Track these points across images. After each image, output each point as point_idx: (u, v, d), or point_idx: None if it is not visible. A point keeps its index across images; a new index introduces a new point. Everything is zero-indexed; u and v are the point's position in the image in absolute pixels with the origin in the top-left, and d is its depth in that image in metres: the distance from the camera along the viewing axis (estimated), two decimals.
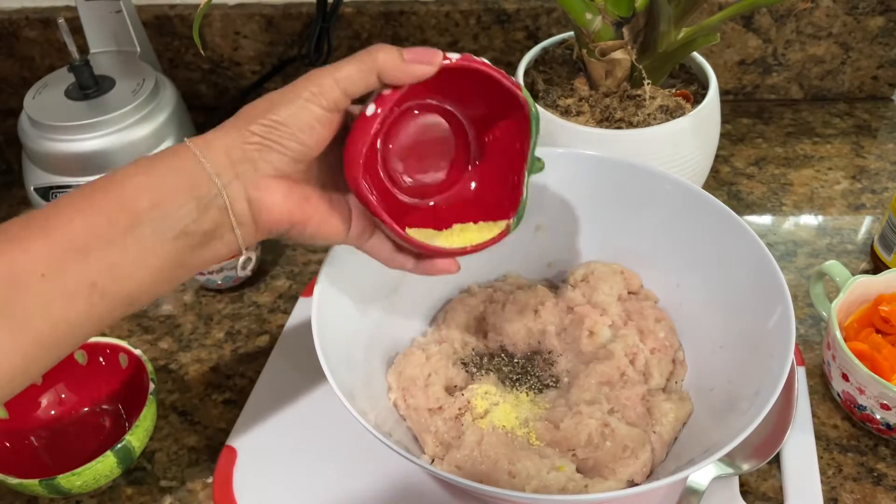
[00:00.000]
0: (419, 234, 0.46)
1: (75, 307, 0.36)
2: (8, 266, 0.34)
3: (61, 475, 0.49)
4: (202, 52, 0.84)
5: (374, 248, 0.47)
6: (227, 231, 0.40)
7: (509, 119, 0.47)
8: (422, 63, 0.41)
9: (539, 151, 0.49)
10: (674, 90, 0.65)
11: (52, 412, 0.58)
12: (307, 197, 0.43)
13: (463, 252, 0.47)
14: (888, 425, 0.52)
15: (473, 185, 0.50)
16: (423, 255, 0.47)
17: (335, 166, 0.44)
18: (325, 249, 0.53)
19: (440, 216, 0.48)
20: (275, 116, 0.40)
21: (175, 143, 0.40)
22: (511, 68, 0.87)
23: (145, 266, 0.38)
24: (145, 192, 0.37)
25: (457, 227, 0.48)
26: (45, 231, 0.36)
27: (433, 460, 0.50)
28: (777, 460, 0.53)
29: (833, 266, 0.58)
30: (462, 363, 0.56)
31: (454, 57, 0.43)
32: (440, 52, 0.42)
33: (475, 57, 0.44)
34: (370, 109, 0.42)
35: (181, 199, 0.38)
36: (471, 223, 0.48)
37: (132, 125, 0.72)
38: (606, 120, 0.63)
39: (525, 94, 0.46)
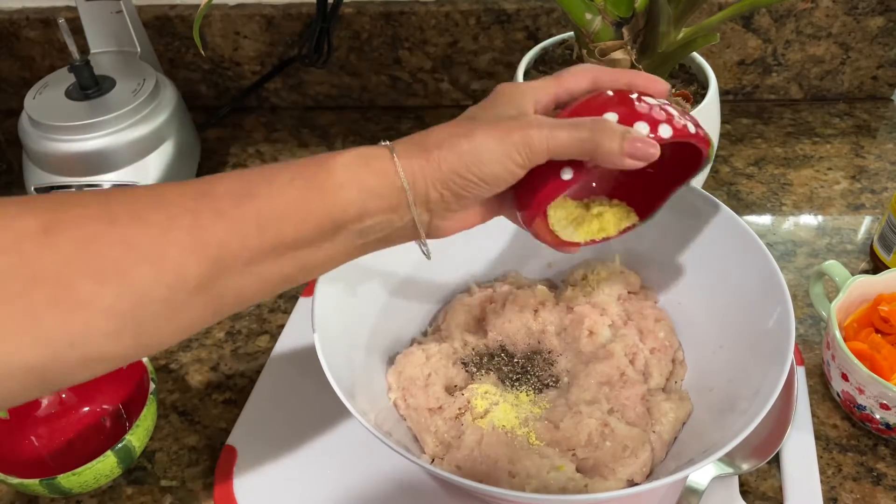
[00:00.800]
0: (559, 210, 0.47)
1: (262, 290, 0.39)
2: (218, 249, 0.35)
3: (62, 475, 0.49)
4: (202, 52, 0.84)
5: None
6: (402, 240, 0.43)
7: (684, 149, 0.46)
8: (638, 159, 0.40)
9: None
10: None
11: (53, 412, 0.58)
12: (475, 214, 0.45)
13: (587, 244, 0.47)
14: (887, 425, 0.52)
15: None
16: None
17: None
18: None
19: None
20: (479, 173, 0.40)
21: (378, 146, 0.41)
22: (511, 68, 0.87)
23: (329, 262, 0.41)
24: (353, 208, 0.39)
25: (595, 207, 0.48)
26: (258, 218, 0.36)
27: (433, 460, 0.50)
28: (777, 460, 0.53)
29: (832, 266, 0.58)
30: (462, 363, 0.56)
31: (666, 135, 0.41)
32: (657, 147, 0.41)
33: (687, 125, 0.43)
34: (567, 175, 0.42)
35: (381, 217, 0.40)
36: (605, 198, 0.49)
37: (132, 125, 0.72)
38: None
39: (710, 151, 0.46)
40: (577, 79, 0.45)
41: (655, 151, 0.40)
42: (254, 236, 0.36)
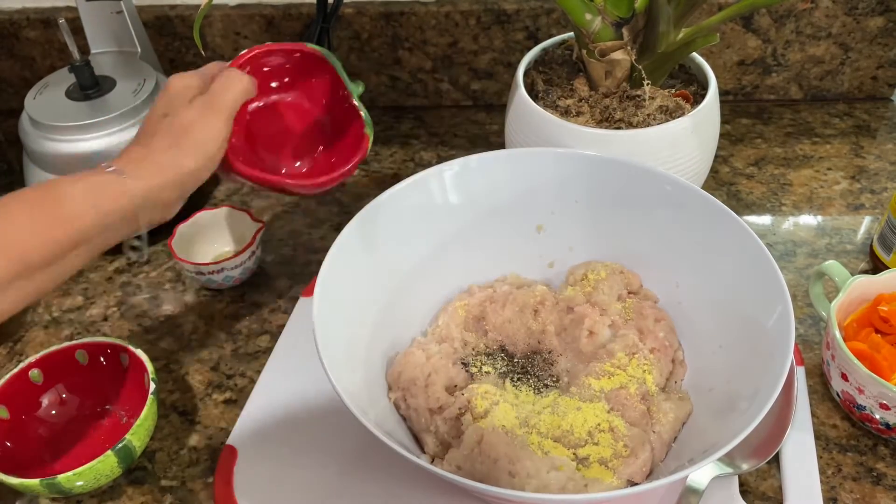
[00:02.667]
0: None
1: (19, 304, 0.43)
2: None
3: (62, 475, 0.49)
4: (203, 52, 0.84)
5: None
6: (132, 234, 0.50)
7: (324, 78, 0.57)
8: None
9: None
10: (673, 90, 0.65)
11: (53, 412, 0.58)
12: None
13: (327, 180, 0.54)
14: (887, 425, 0.52)
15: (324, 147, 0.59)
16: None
17: None
18: (326, 249, 0.53)
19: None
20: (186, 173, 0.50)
21: (106, 168, 0.48)
22: (511, 68, 0.87)
23: (75, 269, 0.47)
24: (94, 229, 0.46)
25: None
26: (3, 247, 0.42)
27: (433, 460, 0.50)
28: (776, 460, 0.53)
29: (832, 266, 0.58)
30: (462, 363, 0.56)
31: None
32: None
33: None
34: None
35: (116, 231, 0.47)
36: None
37: (133, 125, 0.72)
38: (606, 120, 0.63)
39: (311, 46, 0.56)
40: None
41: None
42: (3, 264, 0.41)
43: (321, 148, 0.59)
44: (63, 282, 0.47)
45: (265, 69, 0.56)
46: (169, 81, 0.51)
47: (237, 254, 0.67)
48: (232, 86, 0.50)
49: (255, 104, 0.56)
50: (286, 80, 0.57)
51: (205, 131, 0.48)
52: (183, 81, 0.50)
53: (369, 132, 0.56)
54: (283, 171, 0.58)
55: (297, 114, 0.58)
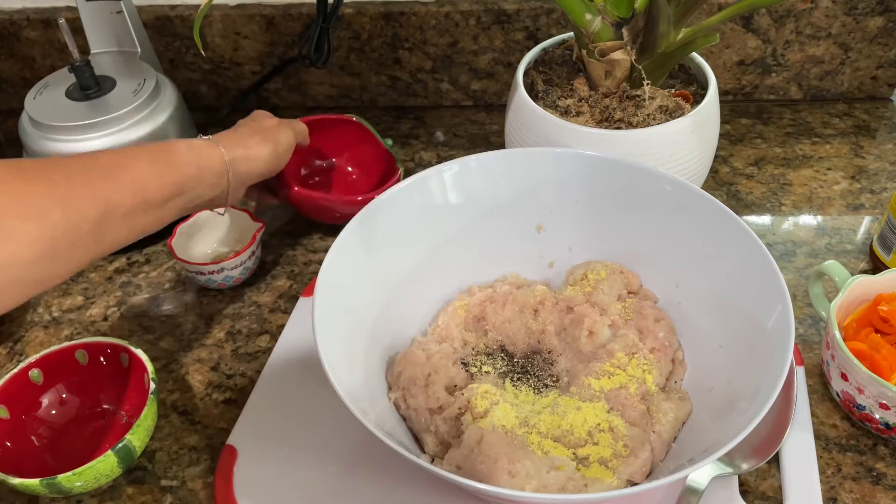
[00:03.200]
0: None
1: (129, 235, 0.50)
2: (106, 202, 0.47)
3: (62, 475, 0.49)
4: (203, 52, 0.84)
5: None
6: (214, 205, 0.60)
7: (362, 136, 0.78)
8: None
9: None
10: (673, 90, 0.65)
11: (54, 412, 0.58)
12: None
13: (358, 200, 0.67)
14: (887, 425, 0.52)
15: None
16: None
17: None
18: (326, 249, 0.53)
19: None
20: (278, 152, 0.63)
21: (206, 138, 0.59)
22: (511, 68, 0.87)
23: (171, 217, 0.54)
24: (193, 181, 0.55)
25: None
26: (133, 188, 0.49)
27: (433, 460, 0.50)
28: (776, 460, 0.53)
29: (832, 266, 0.58)
30: (462, 363, 0.56)
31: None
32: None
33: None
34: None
35: (207, 187, 0.56)
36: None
37: (133, 125, 0.72)
38: (606, 120, 0.63)
39: (358, 119, 0.77)
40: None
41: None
42: (129, 195, 0.49)
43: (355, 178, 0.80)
44: (160, 227, 0.53)
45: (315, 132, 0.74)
46: (254, 112, 0.67)
47: (237, 254, 0.67)
48: (297, 123, 0.68)
49: (305, 167, 0.78)
50: (333, 141, 0.77)
51: (280, 135, 0.63)
52: (263, 111, 0.67)
53: (400, 167, 0.74)
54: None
55: (341, 169, 0.80)
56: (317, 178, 0.79)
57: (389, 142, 0.76)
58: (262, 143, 0.61)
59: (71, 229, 0.45)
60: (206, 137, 0.58)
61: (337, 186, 0.79)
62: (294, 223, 0.77)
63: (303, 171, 0.78)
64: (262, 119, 0.65)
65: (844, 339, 0.54)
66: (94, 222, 0.46)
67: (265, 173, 0.62)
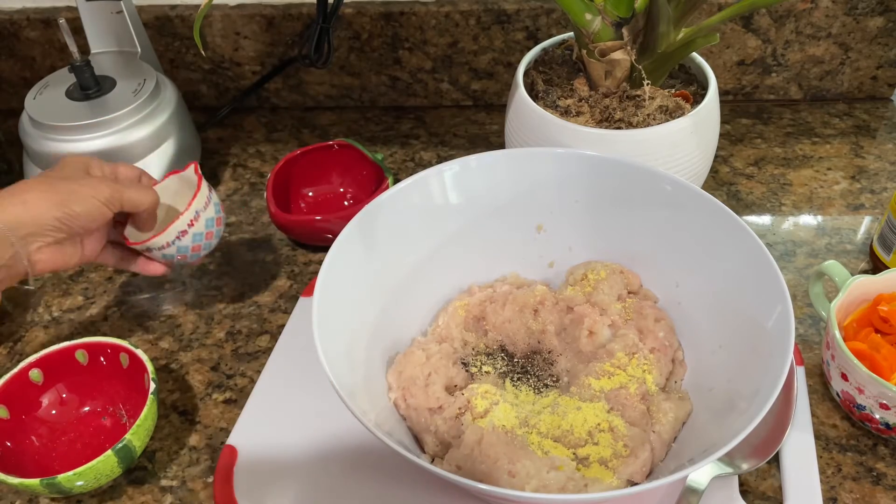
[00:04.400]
0: None
1: None
2: None
3: (62, 475, 0.49)
4: (203, 52, 0.84)
5: (103, 259, 0.61)
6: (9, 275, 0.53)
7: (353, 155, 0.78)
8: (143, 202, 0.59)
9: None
10: (673, 90, 0.65)
11: (53, 412, 0.58)
12: (63, 252, 0.55)
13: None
14: (887, 425, 0.52)
15: None
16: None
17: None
18: (326, 249, 0.53)
19: None
20: (69, 211, 0.53)
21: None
22: (511, 68, 0.87)
23: None
24: None
25: None
26: None
27: (433, 460, 0.50)
28: (776, 460, 0.53)
29: (832, 266, 0.58)
30: (462, 363, 0.56)
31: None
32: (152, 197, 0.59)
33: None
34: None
35: None
36: None
37: (133, 125, 0.72)
38: (606, 120, 0.63)
39: (344, 141, 0.77)
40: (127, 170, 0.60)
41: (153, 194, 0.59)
42: None
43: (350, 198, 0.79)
44: None
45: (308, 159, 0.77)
46: (63, 160, 0.58)
47: (176, 218, 0.59)
48: (130, 189, 0.57)
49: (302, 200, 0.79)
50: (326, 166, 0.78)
51: (81, 190, 0.54)
52: (80, 159, 0.58)
53: (389, 176, 0.73)
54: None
55: (335, 192, 0.79)
56: (308, 204, 0.79)
57: (379, 156, 0.76)
58: (42, 197, 0.52)
59: None
60: None
61: (334, 209, 0.78)
62: None
63: (302, 205, 0.78)
64: (71, 168, 0.56)
65: (844, 339, 0.54)
66: None
67: (53, 233, 0.53)
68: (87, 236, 0.57)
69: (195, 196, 0.59)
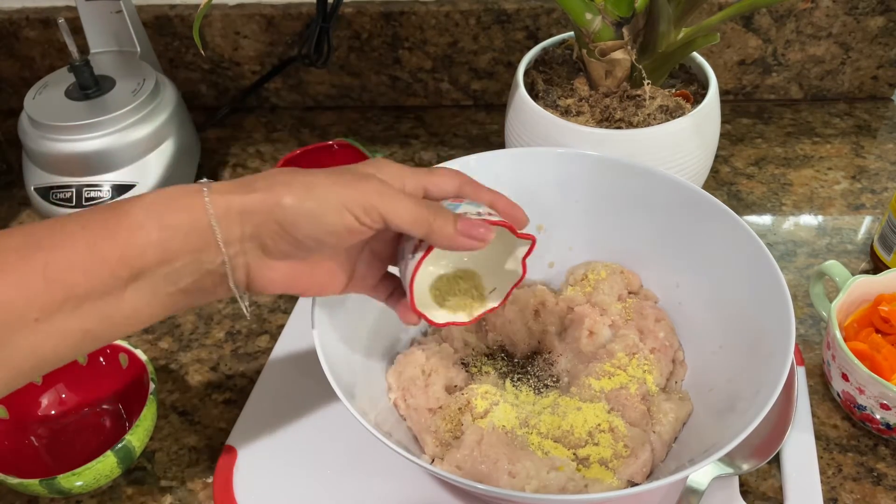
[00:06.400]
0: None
1: (64, 347, 0.36)
2: (1, 307, 0.34)
3: (61, 475, 0.49)
4: (202, 52, 0.84)
5: (373, 294, 0.48)
6: (224, 290, 0.41)
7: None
8: (471, 239, 0.41)
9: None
10: (674, 90, 0.65)
11: (53, 412, 0.58)
12: (310, 272, 0.42)
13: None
14: (888, 425, 0.52)
15: None
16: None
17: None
18: None
19: None
20: (307, 215, 0.38)
21: (191, 184, 0.39)
22: (511, 68, 0.87)
23: (139, 315, 0.38)
24: (153, 249, 0.36)
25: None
26: (44, 270, 0.34)
27: (433, 460, 0.50)
28: (777, 460, 0.53)
29: (833, 266, 0.58)
30: (462, 363, 0.56)
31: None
32: (492, 230, 0.41)
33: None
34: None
35: (187, 259, 0.37)
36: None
37: (132, 125, 0.72)
38: (606, 120, 0.63)
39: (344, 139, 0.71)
40: (446, 179, 0.44)
41: (487, 231, 0.41)
42: (41, 290, 0.34)
43: None
44: (123, 333, 0.38)
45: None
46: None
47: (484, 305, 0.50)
48: (418, 173, 0.42)
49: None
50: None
51: (331, 189, 0.39)
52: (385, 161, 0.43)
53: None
54: None
55: None
56: None
57: (380, 155, 0.75)
58: (318, 179, 0.39)
59: None
60: (203, 181, 0.39)
61: None
62: None
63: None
64: (368, 166, 0.42)
65: (845, 340, 0.54)
66: None
67: (324, 225, 0.38)
68: (336, 258, 0.43)
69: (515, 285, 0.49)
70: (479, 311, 0.48)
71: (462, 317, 0.48)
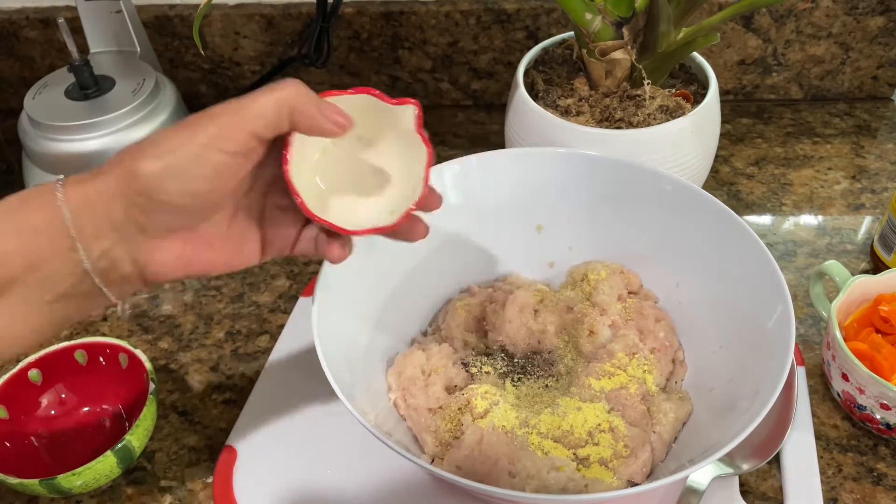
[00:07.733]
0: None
1: None
2: None
3: (61, 475, 0.49)
4: (202, 52, 0.84)
5: (300, 250, 0.44)
6: (116, 289, 0.38)
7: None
8: (334, 123, 0.38)
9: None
10: (674, 90, 0.65)
11: (53, 412, 0.58)
12: (208, 244, 0.39)
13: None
14: (888, 425, 0.52)
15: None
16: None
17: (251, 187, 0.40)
18: None
19: None
20: (162, 172, 0.35)
21: (40, 186, 0.36)
22: (511, 68, 0.87)
23: (21, 327, 0.35)
24: (16, 258, 0.33)
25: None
26: None
27: (433, 460, 0.50)
28: (777, 460, 0.53)
29: (833, 266, 0.58)
30: (462, 363, 0.56)
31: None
32: (350, 119, 0.39)
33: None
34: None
35: (56, 262, 0.34)
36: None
37: (132, 125, 0.72)
38: (606, 120, 0.63)
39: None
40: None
41: (349, 119, 0.38)
42: None
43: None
44: (2, 353, 0.35)
45: None
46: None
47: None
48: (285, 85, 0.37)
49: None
50: None
51: (244, 107, 0.36)
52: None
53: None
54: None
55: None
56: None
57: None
58: (141, 155, 0.35)
59: None
60: (61, 177, 0.36)
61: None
62: None
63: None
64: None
65: (845, 340, 0.54)
66: None
67: (192, 183, 0.35)
68: (243, 210, 0.40)
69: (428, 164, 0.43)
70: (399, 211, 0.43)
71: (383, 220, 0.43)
